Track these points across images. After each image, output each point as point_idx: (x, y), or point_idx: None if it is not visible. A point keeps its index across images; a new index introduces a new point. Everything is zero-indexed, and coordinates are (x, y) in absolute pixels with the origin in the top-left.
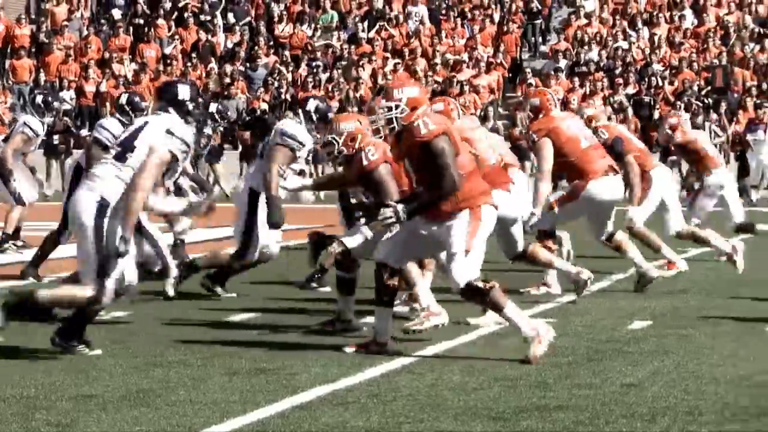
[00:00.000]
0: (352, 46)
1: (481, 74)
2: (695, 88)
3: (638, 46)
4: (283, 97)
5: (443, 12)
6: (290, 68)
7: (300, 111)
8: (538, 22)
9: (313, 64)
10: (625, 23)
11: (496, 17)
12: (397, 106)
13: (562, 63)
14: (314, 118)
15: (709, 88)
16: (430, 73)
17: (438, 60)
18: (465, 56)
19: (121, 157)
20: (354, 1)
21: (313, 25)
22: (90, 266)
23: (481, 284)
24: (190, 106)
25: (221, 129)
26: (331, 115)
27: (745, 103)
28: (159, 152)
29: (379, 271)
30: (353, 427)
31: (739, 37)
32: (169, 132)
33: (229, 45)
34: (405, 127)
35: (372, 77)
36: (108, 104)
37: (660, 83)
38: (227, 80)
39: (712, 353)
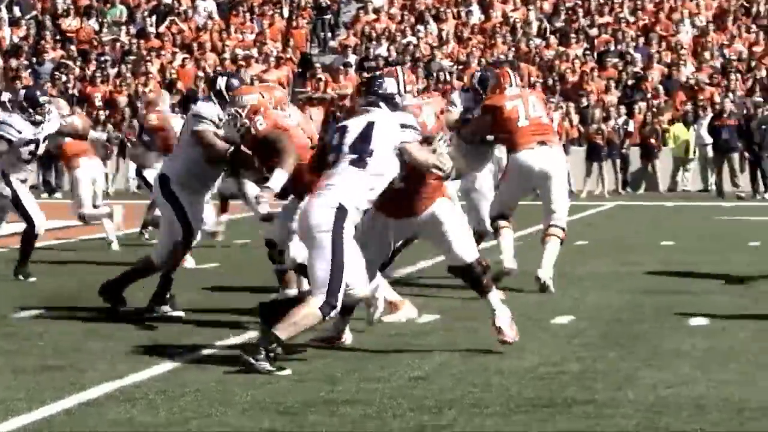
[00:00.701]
0: (141, 41)
1: (270, 69)
2: None
3: (426, 41)
4: (70, 92)
5: (230, 6)
6: (78, 63)
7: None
8: (328, 17)
9: (101, 58)
10: (413, 19)
11: (285, 12)
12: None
13: (352, 58)
14: (226, 95)
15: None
16: (219, 68)
17: (227, 55)
18: (254, 51)
19: (359, 162)
20: None
21: (100, 20)
22: (320, 279)
23: (483, 262)
24: (398, 99)
25: None
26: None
27: None
28: (410, 141)
29: None
30: (140, 423)
31: (525, 33)
32: (403, 126)
33: (15, 39)
34: None
35: (161, 72)
36: None
37: (448, 78)
38: (12, 75)
39: (498, 346)
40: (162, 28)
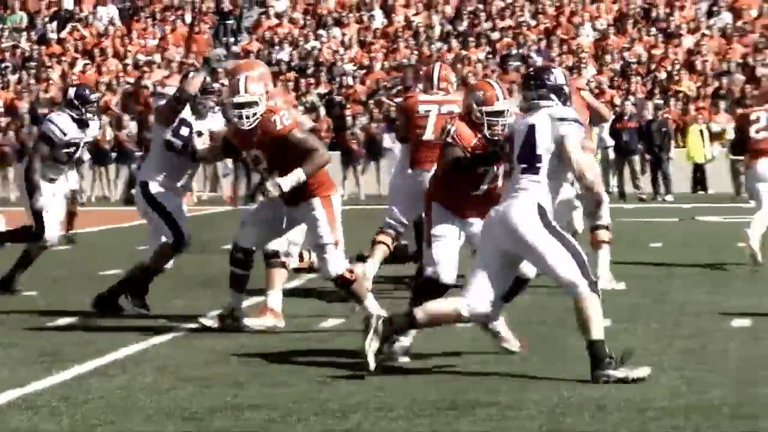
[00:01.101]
0: (42, 47)
1: (173, 75)
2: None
3: (329, 46)
4: None
5: (131, 11)
6: None
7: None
8: (230, 22)
9: (2, 65)
10: (315, 23)
11: (188, 18)
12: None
13: None
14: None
15: (401, 87)
16: (121, 74)
17: (129, 60)
18: (157, 57)
19: (531, 170)
20: (43, 2)
21: (0, 26)
22: (569, 268)
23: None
24: (566, 90)
25: None
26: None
27: None
28: (567, 134)
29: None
30: (43, 431)
31: (428, 36)
32: (555, 119)
33: None
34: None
35: (62, 78)
36: None
37: (351, 83)
38: None
39: None
40: (63, 34)
